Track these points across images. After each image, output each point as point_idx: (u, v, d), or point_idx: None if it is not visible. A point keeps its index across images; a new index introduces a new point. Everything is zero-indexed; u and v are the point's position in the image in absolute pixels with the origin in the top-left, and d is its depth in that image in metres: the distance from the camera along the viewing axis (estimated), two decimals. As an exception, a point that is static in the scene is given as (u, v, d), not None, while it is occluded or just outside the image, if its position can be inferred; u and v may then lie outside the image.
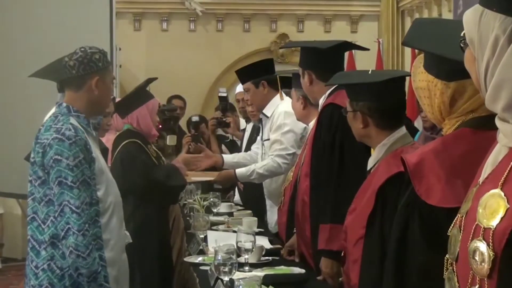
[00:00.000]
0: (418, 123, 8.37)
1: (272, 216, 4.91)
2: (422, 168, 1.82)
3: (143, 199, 4.55)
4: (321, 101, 3.65)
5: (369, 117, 2.79)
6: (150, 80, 4.91)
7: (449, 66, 1.91)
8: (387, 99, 2.77)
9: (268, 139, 4.95)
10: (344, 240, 2.67)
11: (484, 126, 1.85)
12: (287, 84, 4.91)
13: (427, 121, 5.18)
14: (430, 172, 1.80)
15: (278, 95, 4.90)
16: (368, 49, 4.02)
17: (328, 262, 3.31)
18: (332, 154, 3.38)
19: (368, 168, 2.77)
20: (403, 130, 2.81)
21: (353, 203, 2.64)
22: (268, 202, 5.00)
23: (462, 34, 1.49)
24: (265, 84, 4.94)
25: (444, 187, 1.77)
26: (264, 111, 4.99)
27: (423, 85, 2.00)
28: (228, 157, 5.40)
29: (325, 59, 3.64)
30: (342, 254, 2.76)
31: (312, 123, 3.95)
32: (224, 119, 6.59)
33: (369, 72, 2.89)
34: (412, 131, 3.62)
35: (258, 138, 5.34)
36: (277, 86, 4.88)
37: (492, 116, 1.85)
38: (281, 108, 4.82)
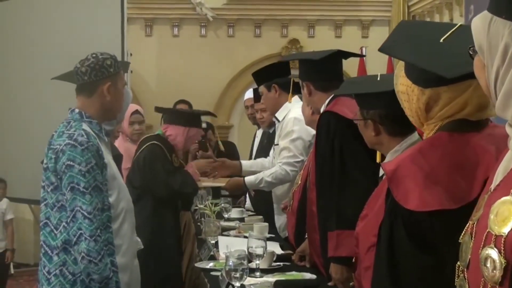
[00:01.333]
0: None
1: (279, 220, 4.91)
2: (398, 174, 1.84)
3: (159, 202, 4.59)
4: (322, 109, 3.67)
5: (381, 124, 2.78)
6: (209, 113, 5.15)
7: (426, 74, 1.94)
8: (398, 106, 2.76)
9: (278, 144, 4.94)
10: (356, 246, 2.67)
11: (459, 129, 1.92)
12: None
13: None
14: (407, 177, 1.82)
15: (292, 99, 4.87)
16: (364, 56, 4.02)
17: (337, 267, 3.31)
18: (332, 160, 3.38)
19: (380, 174, 2.77)
20: (415, 136, 2.79)
21: (364, 209, 2.64)
22: (275, 206, 5.00)
23: (442, 40, 1.49)
24: (277, 88, 4.89)
25: (421, 191, 1.79)
26: (276, 114, 4.96)
27: (403, 89, 2.05)
28: (246, 165, 5.37)
29: (321, 70, 3.66)
30: (354, 260, 2.76)
31: None
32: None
33: (378, 78, 2.88)
34: None
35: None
36: (290, 90, 4.84)
37: (466, 120, 1.92)
38: (292, 114, 4.79)
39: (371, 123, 2.80)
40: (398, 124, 2.75)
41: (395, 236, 1.82)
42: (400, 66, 2.10)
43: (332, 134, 3.41)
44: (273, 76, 4.94)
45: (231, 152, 7.05)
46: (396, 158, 1.96)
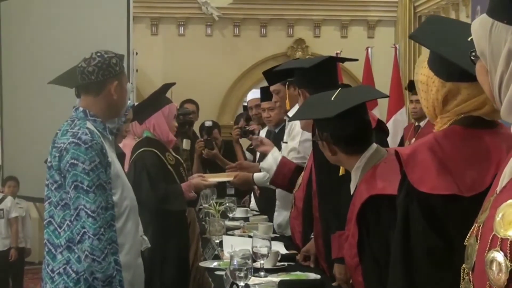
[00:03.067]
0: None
1: (279, 218, 4.88)
2: (414, 159, 1.90)
3: (154, 208, 4.52)
4: None
5: (335, 145, 2.84)
6: (166, 86, 4.92)
7: (449, 67, 1.97)
8: (348, 127, 2.81)
9: (286, 142, 4.91)
10: (346, 264, 2.71)
11: (473, 125, 1.97)
12: None
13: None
14: (422, 162, 1.88)
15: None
16: (356, 60, 4.04)
17: (340, 267, 3.31)
18: (329, 164, 3.38)
19: (351, 192, 2.80)
20: (372, 147, 2.83)
21: (346, 230, 2.67)
22: (277, 203, 4.97)
23: (470, 39, 1.48)
24: (294, 86, 4.83)
25: (434, 176, 1.85)
26: (289, 113, 4.93)
27: (423, 79, 2.08)
28: (259, 176, 5.21)
29: (314, 77, 3.66)
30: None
31: None
32: (248, 128, 6.53)
33: (332, 98, 2.90)
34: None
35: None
36: None
37: (480, 117, 1.97)
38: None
39: (326, 145, 2.85)
40: (352, 143, 2.83)
41: (411, 217, 1.86)
42: (422, 57, 2.13)
43: None
44: (287, 76, 4.90)
45: (235, 151, 7.03)
46: (411, 145, 2.03)
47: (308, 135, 4.65)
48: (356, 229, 2.53)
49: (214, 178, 5.16)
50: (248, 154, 7.04)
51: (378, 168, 2.69)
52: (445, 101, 2.02)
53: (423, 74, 2.08)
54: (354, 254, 2.59)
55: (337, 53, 8.02)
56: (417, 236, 1.84)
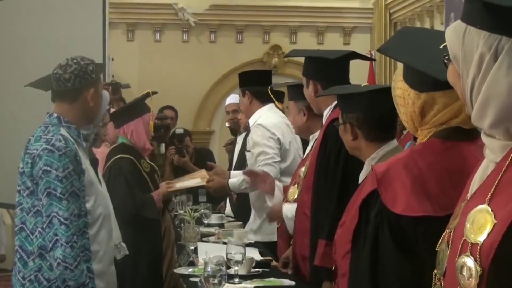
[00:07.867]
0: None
1: (253, 223, 4.89)
2: (388, 177, 1.85)
3: (129, 215, 4.49)
4: (326, 112, 3.57)
5: (358, 128, 2.82)
6: (149, 94, 4.92)
7: (422, 78, 1.95)
8: (375, 110, 2.80)
9: (249, 151, 4.92)
10: (334, 253, 2.67)
11: (452, 137, 1.93)
12: (280, 97, 4.91)
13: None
14: (396, 180, 1.84)
15: (263, 108, 4.87)
16: (374, 60, 4.01)
17: (327, 285, 3.24)
18: (336, 168, 3.32)
19: (359, 182, 2.77)
20: (393, 143, 2.81)
21: (343, 217, 2.64)
22: (253, 211, 4.97)
23: (442, 46, 1.50)
24: (249, 95, 4.92)
25: (409, 196, 1.80)
26: (249, 120, 4.99)
27: (400, 93, 2.05)
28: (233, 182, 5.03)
29: (332, 70, 3.56)
30: (333, 268, 2.75)
31: (316, 134, 3.81)
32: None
33: (362, 85, 2.92)
34: None
35: None
36: (264, 98, 4.86)
37: (460, 128, 1.93)
38: (258, 121, 4.82)
39: (349, 127, 2.83)
40: (375, 129, 2.79)
41: (380, 239, 1.82)
42: (399, 70, 2.10)
43: (340, 142, 3.34)
44: (253, 83, 4.97)
45: (208, 159, 7.02)
46: (387, 160, 1.97)
47: (264, 140, 4.71)
48: (357, 216, 2.49)
49: (183, 183, 5.06)
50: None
51: None
52: (422, 113, 1.98)
53: (400, 88, 2.04)
54: (348, 240, 2.54)
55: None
56: (386, 259, 1.81)
